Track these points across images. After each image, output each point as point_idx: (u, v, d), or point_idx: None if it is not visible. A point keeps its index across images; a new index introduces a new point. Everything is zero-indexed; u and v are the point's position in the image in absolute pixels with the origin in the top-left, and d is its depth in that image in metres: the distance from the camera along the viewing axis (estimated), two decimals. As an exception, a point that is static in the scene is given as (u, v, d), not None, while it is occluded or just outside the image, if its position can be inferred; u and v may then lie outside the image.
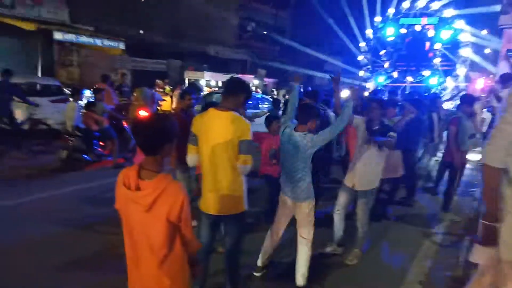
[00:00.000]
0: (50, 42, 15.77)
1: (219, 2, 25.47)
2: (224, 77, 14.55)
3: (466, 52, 14.49)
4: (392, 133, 3.81)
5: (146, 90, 5.10)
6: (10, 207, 5.17)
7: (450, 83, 14.31)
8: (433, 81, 14.47)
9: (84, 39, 16.57)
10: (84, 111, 7.41)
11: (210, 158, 2.84)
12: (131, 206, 1.82)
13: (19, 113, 8.22)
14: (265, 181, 4.95)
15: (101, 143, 7.66)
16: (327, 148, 5.71)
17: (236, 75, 15.66)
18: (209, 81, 15.74)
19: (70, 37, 15.95)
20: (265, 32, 28.91)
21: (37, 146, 8.48)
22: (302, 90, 11.29)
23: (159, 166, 1.88)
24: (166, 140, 1.86)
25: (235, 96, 2.90)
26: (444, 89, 14.43)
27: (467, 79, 14.75)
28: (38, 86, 9.81)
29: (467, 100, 5.49)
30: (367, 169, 3.89)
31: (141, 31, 22.72)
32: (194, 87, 9.44)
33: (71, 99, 7.60)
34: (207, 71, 18.25)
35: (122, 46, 18.09)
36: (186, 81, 15.20)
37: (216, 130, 2.81)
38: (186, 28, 23.04)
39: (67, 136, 7.16)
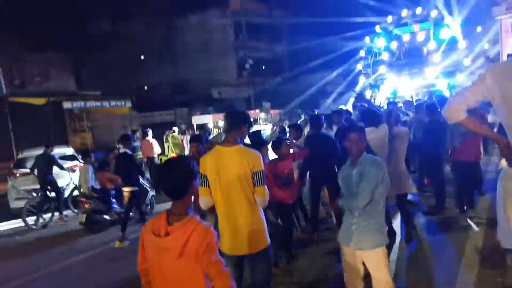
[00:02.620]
0: (61, 112, 16.42)
1: (216, 46, 26.41)
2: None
3: (464, 51, 14.37)
4: None
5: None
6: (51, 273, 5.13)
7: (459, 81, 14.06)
8: (441, 82, 14.26)
9: (92, 104, 17.20)
10: (99, 172, 7.50)
11: (225, 196, 2.77)
12: (162, 255, 1.83)
13: (60, 181, 8.63)
14: (277, 210, 4.41)
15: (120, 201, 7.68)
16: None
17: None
18: (217, 122, 15.93)
19: (79, 104, 16.57)
20: (263, 67, 29.56)
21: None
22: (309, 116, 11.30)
23: (186, 208, 1.92)
24: (190, 179, 1.92)
25: (237, 128, 2.86)
26: (454, 87, 14.18)
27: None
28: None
29: None
30: None
31: (145, 87, 23.58)
32: (202, 131, 9.51)
33: (83, 163, 7.72)
34: (213, 113, 18.55)
35: (129, 104, 18.68)
36: (195, 127, 15.41)
37: (228, 166, 2.73)
38: (188, 77, 23.80)
39: (84, 199, 7.21)
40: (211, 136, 14.32)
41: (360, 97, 7.37)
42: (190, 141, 4.89)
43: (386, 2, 18.96)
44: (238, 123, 2.87)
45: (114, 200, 7.52)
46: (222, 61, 26.87)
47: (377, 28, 16.41)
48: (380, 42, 15.84)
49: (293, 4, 28.02)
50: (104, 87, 18.47)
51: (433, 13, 14.99)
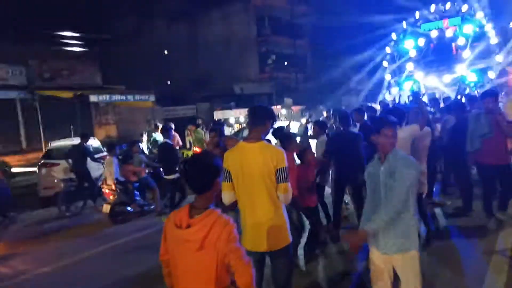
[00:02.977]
0: (87, 105, 16.85)
1: (238, 41, 26.43)
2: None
3: (495, 47, 13.82)
4: None
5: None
6: (71, 264, 5.32)
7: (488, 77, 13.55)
8: (471, 78, 13.75)
9: (117, 97, 17.57)
10: (123, 164, 7.67)
11: (248, 192, 2.76)
12: (183, 246, 1.86)
13: (93, 172, 8.89)
14: (306, 214, 4.62)
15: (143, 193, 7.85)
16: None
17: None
18: (238, 117, 15.98)
19: (104, 98, 16.96)
20: (286, 63, 29.36)
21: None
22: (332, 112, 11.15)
23: (209, 203, 1.95)
24: (215, 175, 1.96)
25: (262, 124, 2.84)
26: (482, 86, 13.68)
27: (502, 73, 13.95)
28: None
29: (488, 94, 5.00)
30: None
31: (168, 82, 23.88)
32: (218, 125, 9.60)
33: (108, 155, 7.91)
34: (235, 109, 18.62)
35: (152, 98, 18.97)
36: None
37: (251, 163, 2.71)
38: (210, 72, 23.95)
39: (109, 191, 7.39)
40: (231, 131, 14.39)
41: (415, 96, 7.09)
42: (210, 131, 5.15)
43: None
44: (262, 118, 2.85)
45: (137, 193, 7.68)
46: (244, 56, 26.90)
47: (404, 24, 15.99)
48: (407, 40, 15.41)
49: (317, 1, 27.68)
50: (128, 81, 18.84)
51: (464, 8, 14.47)
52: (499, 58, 13.35)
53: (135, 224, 7.12)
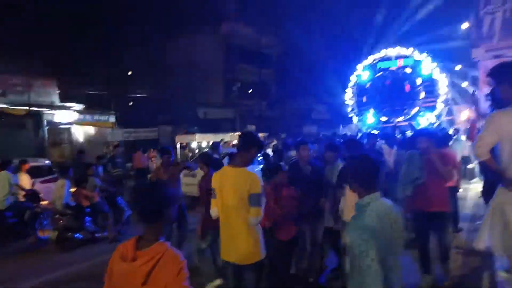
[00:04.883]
0: (41, 124, 16.05)
1: (204, 67, 26.65)
2: (215, 137, 14.75)
3: (443, 88, 15.01)
4: None
5: None
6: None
7: (432, 118, 14.63)
8: (420, 117, 14.78)
9: (74, 117, 16.91)
10: (75, 188, 7.30)
11: (225, 210, 3.07)
12: (126, 281, 1.75)
13: None
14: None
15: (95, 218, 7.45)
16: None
17: (224, 134, 15.88)
18: (201, 142, 15.85)
19: (60, 117, 16.27)
20: (250, 91, 29.89)
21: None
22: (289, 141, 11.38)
23: (158, 234, 1.86)
24: (165, 206, 1.88)
25: (246, 151, 3.10)
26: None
27: (450, 112, 15.11)
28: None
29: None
30: None
31: (130, 103, 23.42)
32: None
33: (59, 177, 7.50)
34: (198, 133, 18.49)
35: (112, 119, 18.44)
36: (178, 146, 15.27)
37: (229, 184, 3.04)
38: (175, 95, 23.81)
39: (57, 216, 6.97)
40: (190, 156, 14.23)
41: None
42: (161, 155, 5.93)
43: (372, 38, 19.75)
44: (247, 145, 3.11)
45: (88, 218, 7.30)
46: (209, 82, 27.07)
47: (364, 62, 17.01)
48: (364, 75, 16.40)
49: (284, 33, 28.73)
50: (88, 101, 18.25)
51: (416, 53, 15.70)
52: (446, 94, 14.54)
53: (83, 252, 6.72)
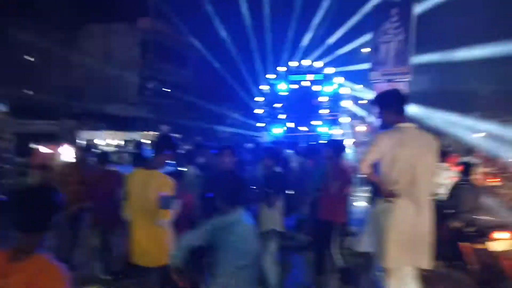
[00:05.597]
0: None
1: (118, 61, 25.19)
2: (124, 135, 14.01)
3: (346, 104, 16.63)
4: None
5: None
6: None
7: (336, 131, 16.06)
8: (323, 130, 16.08)
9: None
10: None
11: (134, 213, 3.11)
12: None
13: None
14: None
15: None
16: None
17: (137, 133, 15.25)
18: (107, 140, 14.93)
19: None
20: (167, 90, 29.12)
21: None
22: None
23: (37, 245, 1.63)
24: (53, 212, 1.68)
25: (160, 153, 3.14)
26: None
27: (350, 127, 16.75)
28: None
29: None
30: None
31: (29, 92, 21.01)
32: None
33: None
34: (106, 130, 17.36)
35: (3, 108, 16.26)
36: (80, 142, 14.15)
37: (139, 186, 3.07)
38: (84, 87, 22.04)
39: None
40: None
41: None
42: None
43: (288, 50, 20.82)
44: (161, 148, 3.16)
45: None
46: (122, 77, 25.65)
47: (277, 71, 17.92)
48: (277, 86, 17.29)
49: (204, 36, 28.63)
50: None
51: (329, 70, 17.04)
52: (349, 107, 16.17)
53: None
